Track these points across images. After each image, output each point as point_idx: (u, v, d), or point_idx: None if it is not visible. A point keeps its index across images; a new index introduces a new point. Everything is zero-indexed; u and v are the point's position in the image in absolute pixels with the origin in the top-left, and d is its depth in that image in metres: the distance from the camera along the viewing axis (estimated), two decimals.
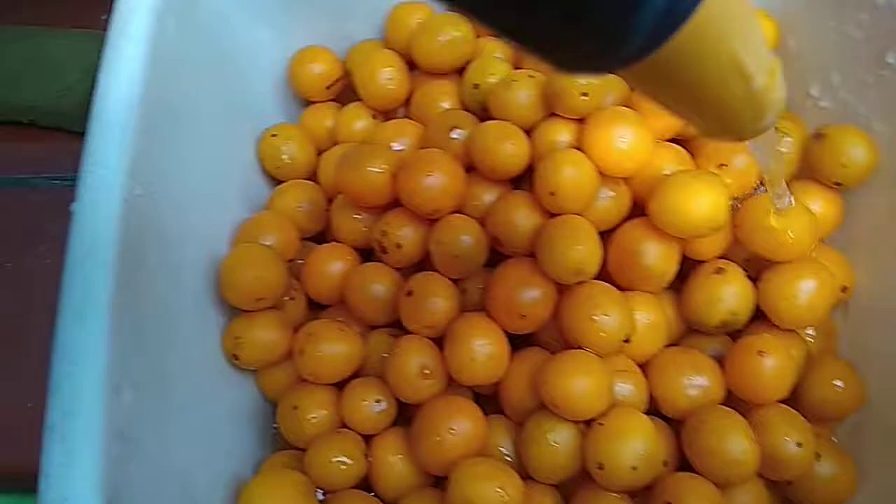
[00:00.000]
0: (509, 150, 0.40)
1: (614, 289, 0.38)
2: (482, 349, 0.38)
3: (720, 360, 0.39)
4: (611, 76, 0.40)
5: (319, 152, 0.50)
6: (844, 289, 0.40)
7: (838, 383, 0.38)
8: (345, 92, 0.52)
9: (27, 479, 0.48)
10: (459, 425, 0.37)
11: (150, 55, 0.37)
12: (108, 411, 0.30)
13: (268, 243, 0.42)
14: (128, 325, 0.33)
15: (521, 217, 0.39)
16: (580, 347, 0.37)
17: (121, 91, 0.36)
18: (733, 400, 0.38)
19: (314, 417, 0.40)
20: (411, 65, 0.49)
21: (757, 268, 0.40)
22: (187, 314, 0.39)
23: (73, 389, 0.30)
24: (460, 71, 0.48)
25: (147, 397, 0.33)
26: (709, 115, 0.24)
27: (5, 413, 0.50)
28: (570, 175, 0.37)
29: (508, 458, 0.38)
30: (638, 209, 0.41)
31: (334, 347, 0.40)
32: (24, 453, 0.48)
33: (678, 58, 0.19)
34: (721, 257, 0.40)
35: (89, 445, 0.29)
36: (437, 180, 0.39)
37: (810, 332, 0.40)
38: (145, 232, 0.35)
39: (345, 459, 0.38)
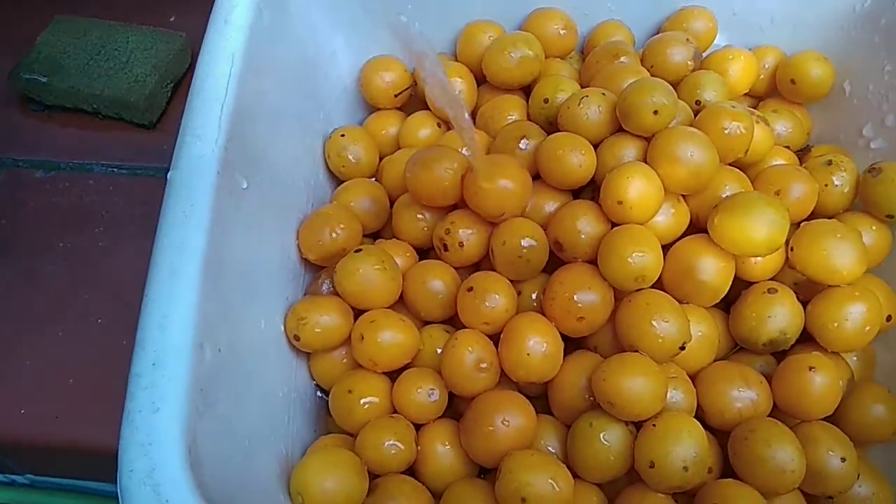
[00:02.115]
0: (577, 160, 0.41)
1: (672, 298, 0.39)
2: (539, 347, 0.39)
3: (767, 378, 0.40)
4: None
5: (381, 157, 0.52)
6: (889, 318, 0.41)
7: (878, 408, 0.39)
8: (410, 102, 0.54)
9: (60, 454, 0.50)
10: (512, 418, 0.38)
11: (248, 41, 0.40)
12: (192, 364, 0.31)
13: (334, 235, 0.44)
14: (213, 288, 0.34)
15: (586, 223, 0.41)
16: (636, 352, 0.38)
17: (220, 69, 0.38)
18: (777, 416, 0.39)
19: (367, 402, 0.41)
20: (478, 80, 0.51)
21: (804, 293, 0.41)
22: (260, 293, 0.40)
23: (164, 339, 0.31)
24: (525, 87, 0.50)
25: (223, 360, 0.34)
26: None
27: (42, 384, 0.51)
28: (639, 186, 0.39)
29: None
30: (692, 229, 0.43)
31: (395, 336, 0.41)
32: (60, 427, 0.50)
33: None
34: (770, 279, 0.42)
35: (175, 393, 0.30)
36: (506, 184, 0.41)
37: (853, 357, 0.42)
38: (235, 207, 0.37)
39: (397, 444, 0.39)
